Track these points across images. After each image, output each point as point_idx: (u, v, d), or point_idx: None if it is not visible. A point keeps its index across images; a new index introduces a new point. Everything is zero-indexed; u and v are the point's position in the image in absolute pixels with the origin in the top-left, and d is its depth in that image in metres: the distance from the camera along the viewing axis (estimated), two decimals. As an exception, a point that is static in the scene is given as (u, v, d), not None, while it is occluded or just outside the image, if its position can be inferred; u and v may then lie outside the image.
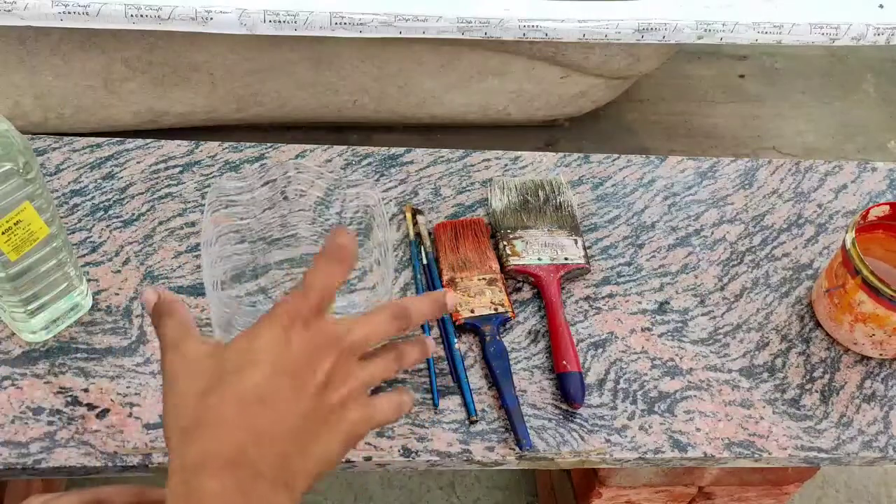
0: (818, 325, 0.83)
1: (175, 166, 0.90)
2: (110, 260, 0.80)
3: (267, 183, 0.70)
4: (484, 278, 0.81)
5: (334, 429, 0.45)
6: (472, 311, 0.78)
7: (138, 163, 0.89)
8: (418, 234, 0.85)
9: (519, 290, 0.82)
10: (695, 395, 0.76)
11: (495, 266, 0.82)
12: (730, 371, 0.78)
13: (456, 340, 0.76)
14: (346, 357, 0.46)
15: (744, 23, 1.54)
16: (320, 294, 0.46)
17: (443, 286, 0.80)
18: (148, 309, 0.50)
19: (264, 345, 0.44)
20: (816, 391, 0.78)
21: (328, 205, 0.73)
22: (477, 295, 0.79)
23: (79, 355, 0.72)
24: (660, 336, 0.80)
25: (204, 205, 0.85)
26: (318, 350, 0.45)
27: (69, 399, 0.69)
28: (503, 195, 0.88)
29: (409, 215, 0.86)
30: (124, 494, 0.54)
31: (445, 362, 0.75)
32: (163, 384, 0.46)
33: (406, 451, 0.69)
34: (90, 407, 0.69)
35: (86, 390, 0.70)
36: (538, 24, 1.51)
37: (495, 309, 0.78)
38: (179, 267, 0.80)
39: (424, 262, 0.82)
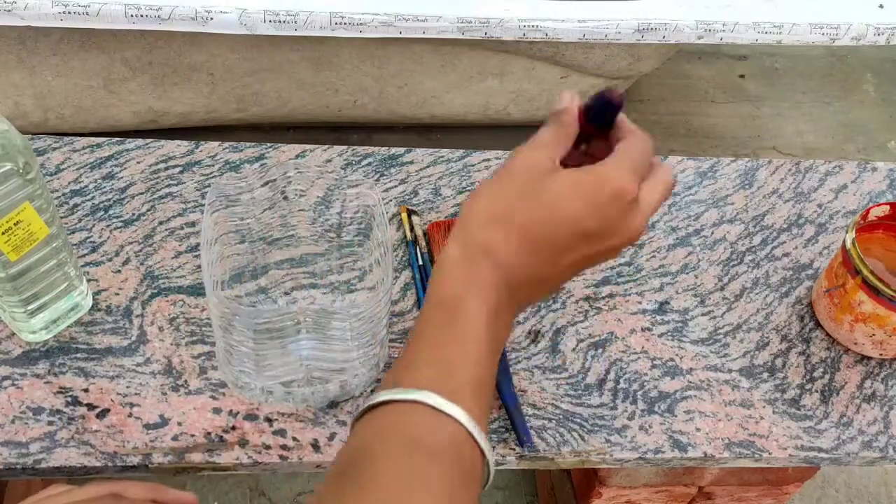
0: (818, 325, 0.83)
1: (175, 166, 0.90)
2: (110, 260, 0.80)
3: (267, 183, 0.70)
4: (484, 278, 0.80)
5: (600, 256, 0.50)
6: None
7: (138, 163, 0.89)
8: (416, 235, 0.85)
9: (519, 290, 0.82)
10: (695, 395, 0.76)
11: (495, 266, 0.82)
12: (730, 371, 0.78)
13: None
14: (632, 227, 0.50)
15: (744, 23, 1.54)
16: (646, 157, 0.50)
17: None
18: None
19: (586, 212, 0.47)
20: (816, 391, 0.78)
21: (328, 205, 0.73)
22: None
23: (79, 355, 0.72)
24: (660, 336, 0.80)
25: (204, 205, 0.86)
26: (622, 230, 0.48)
27: (69, 399, 0.69)
28: None
29: (404, 216, 0.86)
30: (141, 490, 0.54)
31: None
32: (503, 167, 0.50)
33: (406, 451, 0.69)
34: (90, 407, 0.69)
35: (86, 390, 0.70)
36: (538, 24, 1.51)
37: (495, 309, 0.78)
38: (179, 267, 0.80)
39: (420, 263, 0.82)
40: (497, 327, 0.47)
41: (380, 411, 0.43)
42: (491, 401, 0.48)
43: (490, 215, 0.48)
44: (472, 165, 0.94)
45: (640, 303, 0.83)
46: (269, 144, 0.94)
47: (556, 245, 0.47)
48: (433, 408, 0.42)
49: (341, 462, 0.43)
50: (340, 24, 1.46)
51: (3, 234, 0.62)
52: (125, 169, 0.88)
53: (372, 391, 0.72)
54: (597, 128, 0.53)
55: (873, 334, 0.78)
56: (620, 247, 0.49)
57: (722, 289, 0.85)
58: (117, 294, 0.77)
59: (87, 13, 1.39)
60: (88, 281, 0.77)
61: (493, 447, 0.70)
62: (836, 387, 0.79)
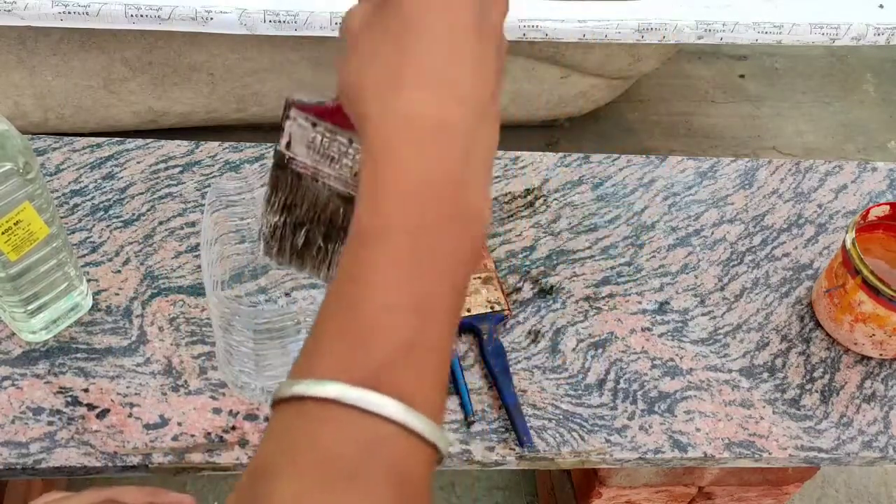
0: (818, 325, 0.83)
1: (175, 166, 0.90)
2: (110, 260, 0.80)
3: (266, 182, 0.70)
4: (479, 277, 0.81)
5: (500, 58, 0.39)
6: (469, 311, 0.78)
7: (138, 163, 0.89)
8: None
9: (519, 289, 0.82)
10: (695, 395, 0.76)
11: (490, 264, 0.82)
12: (730, 371, 0.78)
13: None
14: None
15: (744, 23, 1.54)
16: None
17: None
18: None
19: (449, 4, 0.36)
20: (816, 391, 0.78)
21: (328, 205, 0.73)
22: (472, 294, 0.79)
23: (79, 355, 0.72)
24: (660, 336, 0.80)
25: (204, 205, 0.85)
26: (493, 7, 0.37)
27: (69, 399, 0.69)
28: None
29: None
30: (139, 495, 0.53)
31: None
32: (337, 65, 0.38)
33: (406, 451, 0.69)
34: (90, 407, 0.69)
35: (86, 390, 0.70)
36: (538, 24, 1.51)
37: (492, 307, 0.78)
38: (179, 267, 0.80)
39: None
40: (433, 233, 0.34)
41: (290, 410, 0.33)
42: (448, 358, 0.35)
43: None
44: (472, 165, 0.94)
45: (640, 303, 0.83)
46: (269, 144, 0.93)
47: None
48: (348, 405, 0.31)
49: (252, 469, 0.33)
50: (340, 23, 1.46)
51: (3, 233, 0.62)
52: (125, 169, 0.88)
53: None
54: None
55: (873, 334, 0.78)
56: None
57: (722, 289, 0.85)
58: (117, 294, 0.77)
59: (87, 13, 1.39)
60: (88, 281, 0.77)
61: (493, 447, 0.70)
62: (836, 387, 0.79)
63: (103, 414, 0.69)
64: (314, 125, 0.47)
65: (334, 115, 0.46)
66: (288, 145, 0.48)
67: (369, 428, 0.31)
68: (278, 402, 0.33)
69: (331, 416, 0.31)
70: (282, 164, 0.49)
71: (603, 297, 0.83)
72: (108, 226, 0.83)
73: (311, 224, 0.51)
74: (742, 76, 2.41)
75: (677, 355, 0.79)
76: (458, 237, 0.34)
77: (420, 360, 0.33)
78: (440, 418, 0.33)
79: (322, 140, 0.47)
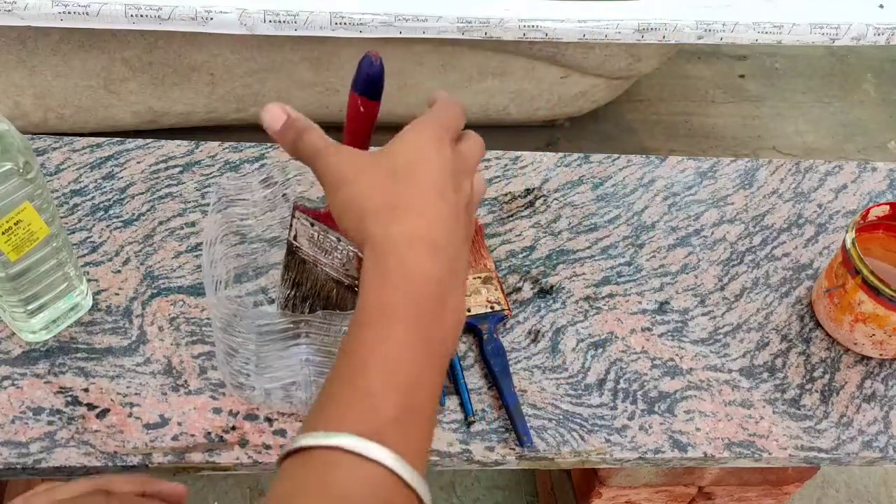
0: (818, 325, 0.83)
1: (175, 166, 0.90)
2: (110, 260, 0.80)
3: (267, 183, 0.70)
4: (479, 277, 0.81)
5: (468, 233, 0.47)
6: (469, 311, 0.78)
7: (138, 163, 0.89)
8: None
9: (519, 289, 0.82)
10: (695, 395, 0.76)
11: (490, 264, 0.82)
12: (730, 371, 0.78)
13: (456, 340, 0.76)
14: (472, 187, 0.47)
15: (744, 23, 1.54)
16: (460, 119, 0.48)
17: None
18: (273, 126, 0.50)
19: (427, 145, 0.45)
20: (816, 391, 0.78)
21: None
22: (472, 294, 0.79)
23: (79, 355, 0.72)
24: (660, 336, 0.80)
25: (204, 205, 0.85)
26: (460, 172, 0.46)
27: (69, 399, 0.69)
28: None
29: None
30: (129, 483, 0.54)
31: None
32: (327, 186, 0.46)
33: (406, 451, 0.69)
34: (90, 407, 0.69)
35: (86, 390, 0.70)
36: (538, 24, 1.51)
37: (492, 307, 0.78)
38: (179, 267, 0.80)
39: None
40: (426, 323, 0.42)
41: (302, 458, 0.40)
42: (433, 421, 0.44)
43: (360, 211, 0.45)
44: (472, 165, 0.94)
45: (640, 303, 0.83)
46: (269, 144, 0.93)
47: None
48: (354, 453, 0.38)
49: None
50: (340, 24, 1.46)
51: (3, 233, 0.62)
52: (125, 169, 0.88)
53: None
54: (368, 100, 0.54)
55: (873, 334, 0.78)
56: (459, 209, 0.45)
57: (722, 289, 0.85)
58: (117, 294, 0.77)
59: (87, 13, 1.39)
60: (88, 281, 0.77)
61: (493, 447, 0.70)
62: (836, 387, 0.79)
63: (103, 414, 0.69)
64: (312, 224, 0.60)
65: (327, 220, 0.59)
66: (295, 237, 0.61)
67: (370, 473, 0.38)
68: (288, 455, 0.41)
69: (338, 461, 0.39)
70: (291, 250, 0.62)
71: (603, 297, 0.83)
72: (108, 226, 0.83)
73: (314, 298, 0.63)
74: (742, 76, 2.41)
75: (677, 355, 0.79)
76: (444, 329, 0.43)
77: (410, 423, 0.40)
78: (424, 468, 0.41)
79: (318, 236, 0.60)
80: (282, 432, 0.69)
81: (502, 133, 2.03)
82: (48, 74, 1.67)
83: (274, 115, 0.50)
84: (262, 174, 0.70)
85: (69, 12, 1.39)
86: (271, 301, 0.75)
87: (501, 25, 1.50)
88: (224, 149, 0.92)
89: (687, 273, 0.86)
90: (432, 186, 0.44)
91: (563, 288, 0.83)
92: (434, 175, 0.44)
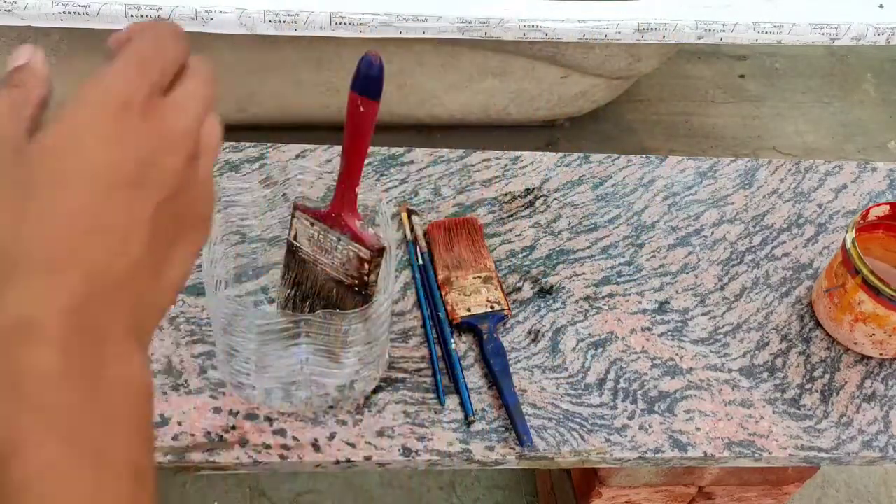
0: (818, 324, 0.83)
1: (175, 166, 0.89)
2: (110, 260, 0.80)
3: (267, 183, 0.70)
4: (479, 276, 0.81)
5: (188, 234, 0.33)
6: (469, 310, 0.78)
7: (138, 163, 0.89)
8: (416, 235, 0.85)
9: (519, 289, 0.82)
10: (695, 395, 0.76)
11: (490, 264, 0.82)
12: (730, 371, 0.78)
13: (453, 340, 0.76)
14: (200, 149, 0.33)
15: (744, 23, 1.54)
16: (160, 66, 0.31)
17: (438, 287, 0.80)
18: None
19: (88, 145, 0.29)
20: (816, 391, 0.78)
21: (328, 205, 0.73)
22: (473, 293, 0.79)
23: (79, 355, 0.72)
24: (660, 336, 0.80)
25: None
26: (164, 144, 0.31)
27: (69, 399, 0.69)
28: None
29: (404, 216, 0.86)
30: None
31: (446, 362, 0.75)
32: None
33: (406, 451, 0.69)
34: (90, 407, 0.69)
35: (86, 390, 0.70)
36: (538, 24, 1.51)
37: (491, 307, 0.78)
38: (179, 267, 0.80)
39: (420, 262, 0.82)
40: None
41: None
42: None
43: None
44: (472, 165, 0.94)
45: (640, 303, 0.83)
46: (269, 144, 0.94)
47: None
48: None
49: None
50: (340, 24, 1.46)
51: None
52: (125, 169, 0.88)
53: (373, 392, 0.72)
54: (368, 99, 0.54)
55: (873, 334, 0.78)
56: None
57: (722, 289, 0.85)
58: (117, 294, 0.77)
59: (87, 13, 1.39)
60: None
61: (493, 447, 0.70)
62: (836, 387, 0.79)
63: (103, 414, 0.69)
64: (312, 224, 0.60)
65: (326, 219, 0.60)
66: (295, 237, 0.61)
67: None
68: None
69: None
70: (291, 250, 0.62)
71: (603, 297, 0.83)
72: (108, 226, 0.83)
73: (313, 298, 0.64)
74: (742, 76, 2.41)
75: (677, 355, 0.79)
76: (122, 437, 0.29)
77: None
78: None
79: (318, 236, 0.60)
80: (282, 432, 0.69)
81: (502, 133, 2.03)
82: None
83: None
84: (262, 174, 0.70)
85: (69, 12, 1.39)
86: (271, 301, 0.75)
87: (501, 25, 1.50)
88: (224, 149, 0.92)
89: (687, 273, 0.86)
90: (81, 215, 0.28)
91: (563, 288, 0.83)
92: (95, 179, 0.28)
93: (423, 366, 0.75)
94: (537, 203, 0.91)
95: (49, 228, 0.28)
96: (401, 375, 0.74)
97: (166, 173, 0.31)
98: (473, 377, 0.74)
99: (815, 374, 0.79)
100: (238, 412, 0.70)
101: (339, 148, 0.94)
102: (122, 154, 0.29)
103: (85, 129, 0.29)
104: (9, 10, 1.38)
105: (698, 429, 0.74)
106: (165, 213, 0.31)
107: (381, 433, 0.70)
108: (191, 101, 0.32)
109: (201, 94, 0.33)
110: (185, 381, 0.71)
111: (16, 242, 0.27)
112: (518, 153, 0.96)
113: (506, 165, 0.94)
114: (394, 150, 0.95)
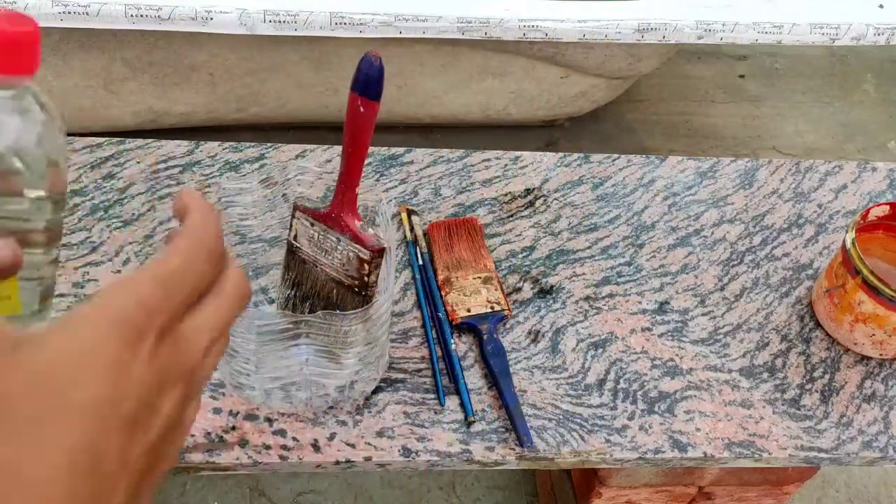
0: (818, 325, 0.83)
1: (175, 166, 0.90)
2: (110, 260, 0.80)
3: (267, 184, 0.70)
4: (479, 277, 0.81)
5: (160, 468, 0.32)
6: (469, 311, 0.78)
7: (138, 163, 0.89)
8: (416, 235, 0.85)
9: (519, 289, 0.82)
10: (695, 395, 0.76)
11: (490, 264, 0.82)
12: (730, 371, 0.78)
13: (453, 341, 0.76)
14: (195, 388, 0.32)
15: (744, 23, 1.54)
16: (192, 286, 0.30)
17: (438, 287, 0.80)
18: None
19: (91, 374, 0.27)
20: (816, 391, 0.78)
21: (328, 205, 0.73)
22: (473, 294, 0.79)
23: (79, 355, 0.72)
24: (660, 336, 0.80)
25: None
26: (167, 383, 0.30)
27: (69, 399, 0.69)
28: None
29: (404, 216, 0.86)
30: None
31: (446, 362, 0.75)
32: None
33: (406, 451, 0.69)
34: (90, 407, 0.69)
35: (86, 390, 0.70)
36: (538, 24, 1.51)
37: (492, 307, 0.78)
38: (179, 267, 0.80)
39: (420, 262, 0.82)
40: None
41: None
42: None
43: None
44: (472, 165, 0.94)
45: (640, 303, 0.83)
46: (269, 144, 0.94)
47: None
48: None
49: None
50: (340, 24, 1.46)
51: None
52: (125, 169, 0.88)
53: (373, 392, 0.72)
54: (368, 100, 0.54)
55: (873, 334, 0.78)
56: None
57: (722, 289, 0.85)
58: (117, 294, 0.77)
59: (87, 13, 1.39)
60: (88, 281, 0.77)
61: (493, 447, 0.70)
62: (836, 387, 0.79)
63: (103, 414, 0.69)
64: (312, 224, 0.60)
65: (326, 219, 0.60)
66: (295, 237, 0.61)
67: None
68: None
69: None
70: (291, 250, 0.62)
71: (603, 297, 0.83)
72: (107, 226, 0.83)
73: (313, 298, 0.63)
74: (742, 76, 2.41)
75: (677, 355, 0.79)
76: None
77: None
78: None
79: (318, 236, 0.60)
80: (282, 432, 0.69)
81: (502, 133, 2.03)
82: (48, 74, 1.67)
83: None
84: (262, 174, 0.70)
85: (69, 12, 1.39)
86: (271, 301, 0.75)
87: (501, 25, 1.50)
88: (224, 149, 0.92)
89: (687, 273, 0.86)
90: (69, 455, 0.26)
91: (563, 288, 0.83)
92: (95, 416, 0.26)
93: (423, 366, 0.75)
94: (537, 203, 0.91)
95: (45, 468, 0.26)
96: (401, 376, 0.74)
97: (161, 417, 0.30)
98: (473, 378, 0.74)
99: (815, 374, 0.79)
100: (238, 413, 0.70)
101: (339, 148, 0.94)
102: (124, 390, 0.28)
103: (91, 355, 0.27)
104: (9, 10, 1.38)
105: (698, 429, 0.74)
106: (151, 455, 0.30)
107: (381, 434, 0.70)
108: (204, 334, 0.31)
109: (214, 325, 0.32)
110: (185, 381, 0.71)
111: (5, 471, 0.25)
112: (518, 153, 0.96)
113: (506, 165, 0.94)
114: (394, 150, 0.95)
